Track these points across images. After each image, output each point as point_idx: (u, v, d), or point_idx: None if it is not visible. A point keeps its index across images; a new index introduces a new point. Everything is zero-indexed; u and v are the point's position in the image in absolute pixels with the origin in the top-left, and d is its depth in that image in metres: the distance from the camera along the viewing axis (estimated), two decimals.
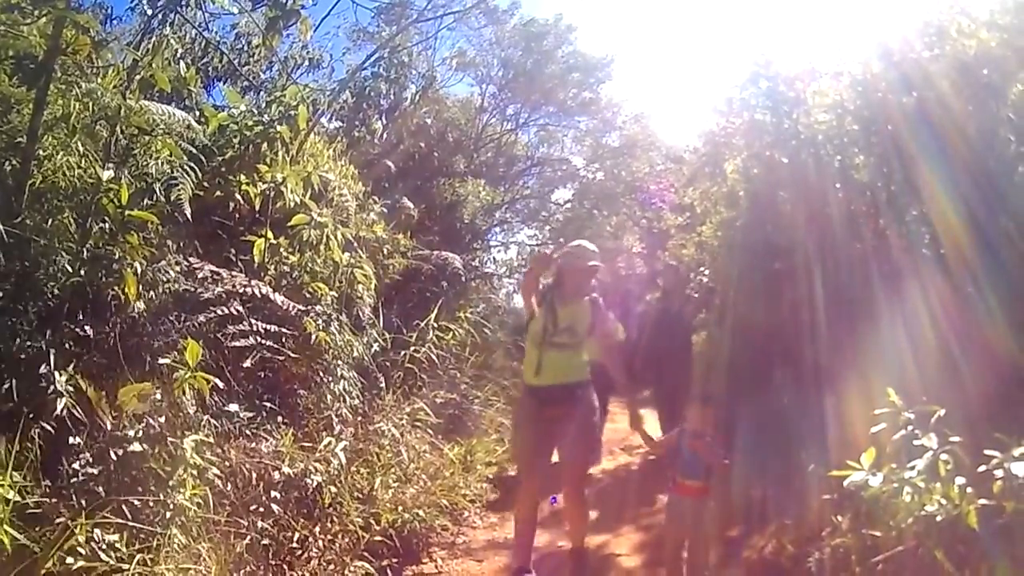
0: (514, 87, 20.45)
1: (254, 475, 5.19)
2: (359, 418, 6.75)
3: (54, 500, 4.01)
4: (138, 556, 3.92)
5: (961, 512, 3.61)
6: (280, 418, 5.91)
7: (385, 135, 14.75)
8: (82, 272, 4.79)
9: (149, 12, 6.24)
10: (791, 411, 7.07)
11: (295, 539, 5.21)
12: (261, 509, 5.05)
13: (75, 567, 3.71)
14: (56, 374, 4.29)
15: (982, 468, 3.68)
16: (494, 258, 22.21)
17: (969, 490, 3.66)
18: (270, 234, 6.58)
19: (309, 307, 6.51)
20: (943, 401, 4.08)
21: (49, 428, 4.20)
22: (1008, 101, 5.42)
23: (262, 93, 9.42)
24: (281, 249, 6.78)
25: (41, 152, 4.97)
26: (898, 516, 3.97)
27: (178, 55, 6.93)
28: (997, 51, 5.58)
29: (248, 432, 5.54)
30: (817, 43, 8.43)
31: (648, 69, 34.70)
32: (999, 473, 3.59)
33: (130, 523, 4.05)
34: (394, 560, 5.74)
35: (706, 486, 5.15)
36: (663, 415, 8.93)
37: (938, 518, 3.75)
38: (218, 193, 6.43)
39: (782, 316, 7.39)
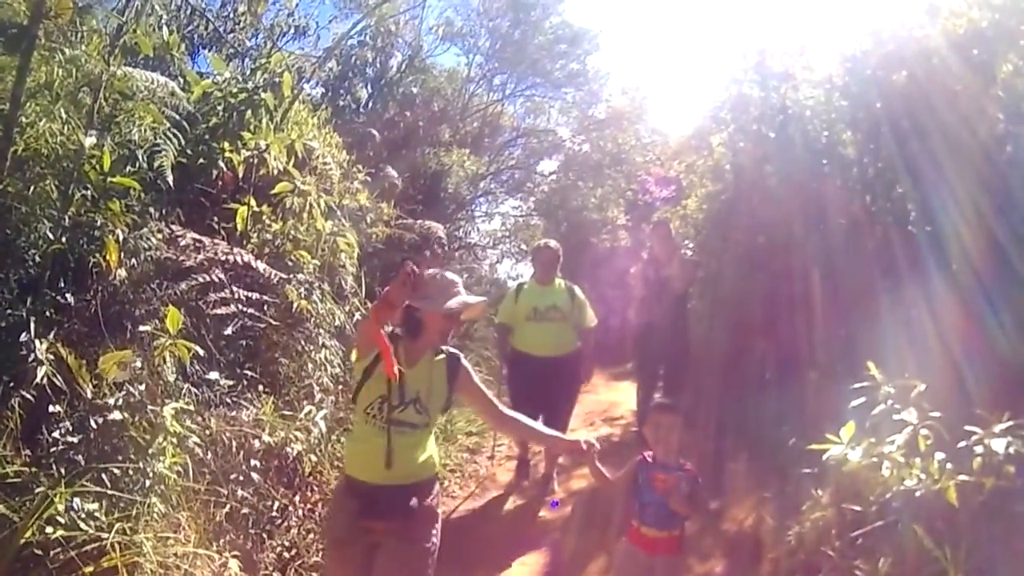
0: (501, 58, 20.36)
1: (234, 443, 5.18)
2: (340, 387, 6.73)
3: (34, 469, 3.99)
4: (117, 525, 3.91)
5: (941, 488, 3.63)
6: (261, 386, 5.89)
7: (370, 104, 14.71)
8: (64, 239, 4.75)
9: None
10: (773, 385, 7.11)
11: (275, 508, 5.21)
12: (241, 478, 5.04)
13: (54, 536, 3.70)
14: (36, 342, 4.26)
15: (962, 444, 3.70)
16: (478, 228, 22.22)
17: (949, 466, 3.69)
18: (253, 202, 6.53)
19: (291, 275, 6.47)
20: (927, 376, 4.10)
21: (29, 397, 4.17)
22: (998, 80, 5.41)
23: (247, 60, 9.36)
24: (264, 217, 6.73)
25: (23, 119, 4.90)
26: (877, 491, 4.00)
27: (163, 21, 6.85)
28: (988, 30, 5.56)
29: (228, 400, 5.51)
30: (807, 19, 8.40)
31: (636, 41, 34.61)
32: (979, 449, 3.62)
33: (110, 492, 4.04)
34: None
35: (673, 538, 3.87)
36: (640, 392, 8.64)
37: (917, 493, 3.77)
38: (201, 160, 6.37)
39: (766, 290, 7.41)
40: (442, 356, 3.74)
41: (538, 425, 4.15)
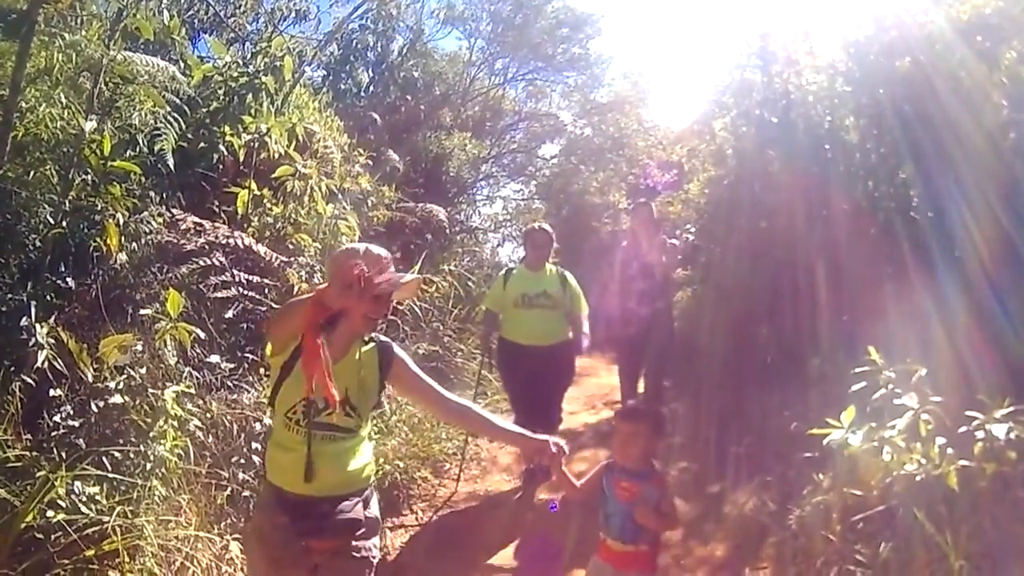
0: (503, 41, 20.28)
1: (235, 426, 5.18)
2: None
3: (35, 453, 4.00)
4: (118, 508, 3.92)
5: (942, 472, 3.63)
6: (262, 369, 5.88)
7: (372, 88, 14.67)
8: (64, 224, 4.75)
9: None
10: (775, 370, 7.10)
11: None
12: (242, 461, 5.05)
13: (55, 520, 3.71)
14: (37, 326, 4.26)
15: (963, 429, 3.71)
16: (479, 212, 22.19)
17: (950, 451, 3.69)
18: (254, 185, 6.52)
19: (292, 258, 6.47)
20: (929, 361, 4.10)
21: (30, 381, 4.18)
22: (1002, 66, 5.39)
23: (248, 44, 9.33)
24: (265, 200, 6.73)
25: (24, 104, 4.90)
26: (878, 475, 4.00)
27: (163, 5, 6.83)
28: (992, 17, 5.54)
29: (229, 383, 5.52)
30: (810, 4, 8.36)
31: (638, 26, 34.51)
32: (980, 435, 3.62)
33: (111, 475, 4.05)
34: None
35: (642, 553, 3.51)
36: (623, 384, 8.08)
37: (918, 478, 3.78)
38: (202, 144, 6.36)
39: (768, 275, 7.40)
40: (371, 346, 3.20)
41: (495, 418, 3.53)
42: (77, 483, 3.89)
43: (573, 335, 6.67)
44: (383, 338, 3.28)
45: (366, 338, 3.18)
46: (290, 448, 3.00)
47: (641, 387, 7.91)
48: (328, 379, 2.81)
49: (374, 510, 3.20)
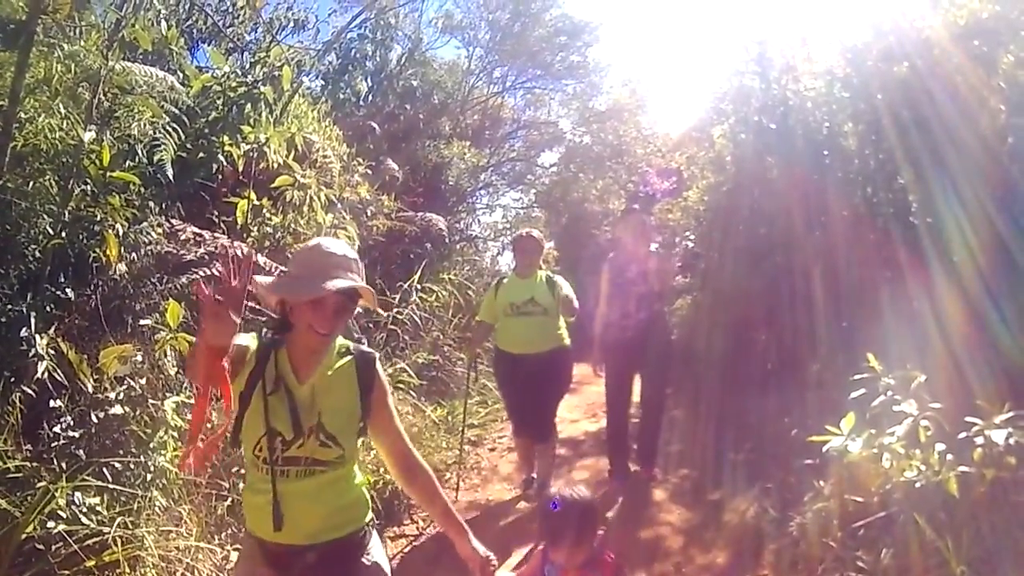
0: (501, 50, 20.36)
1: None
2: None
3: (35, 464, 4.00)
4: (119, 519, 3.91)
5: (941, 479, 3.64)
6: None
7: (370, 97, 14.68)
8: (64, 234, 4.75)
9: None
10: (775, 376, 7.10)
11: None
12: (243, 471, 5.03)
13: (56, 531, 3.70)
14: (37, 337, 4.26)
15: (962, 435, 3.71)
16: (479, 220, 22.23)
17: (949, 457, 3.69)
18: (253, 195, 6.52)
19: None
20: (928, 368, 4.11)
21: (30, 392, 4.17)
22: (999, 71, 5.40)
23: (246, 54, 9.34)
24: (264, 210, 6.72)
25: (23, 115, 4.90)
26: (878, 482, 4.00)
27: (161, 16, 6.84)
28: (989, 22, 5.55)
29: None
30: (808, 10, 8.38)
31: (637, 33, 34.53)
32: (980, 441, 3.62)
33: (111, 486, 4.04)
34: (376, 521, 5.74)
35: None
36: (609, 411, 7.11)
37: (918, 484, 3.78)
38: (201, 154, 6.37)
39: (767, 281, 7.40)
40: (348, 359, 2.72)
41: (441, 501, 2.90)
42: (77, 494, 3.88)
43: (565, 309, 6.38)
44: (364, 348, 2.83)
45: (341, 349, 2.74)
46: (259, 490, 2.58)
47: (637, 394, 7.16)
48: (225, 396, 2.44)
49: (375, 555, 2.80)
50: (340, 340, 2.75)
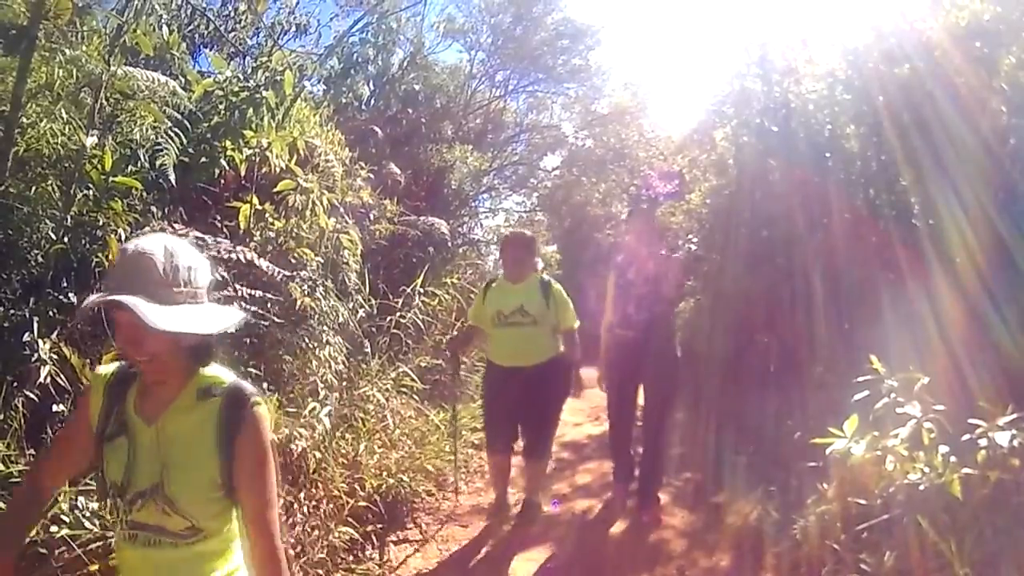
0: (503, 53, 20.33)
1: None
2: (344, 384, 6.73)
3: None
4: None
5: (945, 481, 3.63)
6: (265, 384, 5.88)
7: (373, 101, 14.69)
8: (66, 239, 4.75)
9: None
10: (777, 379, 7.10)
11: (280, 505, 5.21)
12: None
13: (59, 535, 3.70)
14: (39, 342, 4.26)
15: (965, 437, 3.71)
16: (482, 224, 22.23)
17: (953, 459, 3.69)
18: (255, 200, 6.52)
19: (294, 273, 6.47)
20: (930, 370, 4.10)
21: (33, 396, 4.17)
22: (1000, 73, 5.40)
23: (248, 59, 9.35)
24: (267, 215, 6.72)
25: (25, 120, 4.91)
26: (881, 484, 4.00)
27: (163, 21, 6.85)
28: (990, 23, 5.56)
29: None
30: (809, 13, 8.39)
31: (638, 37, 34.60)
32: (983, 442, 3.62)
33: None
34: (379, 526, 5.76)
35: None
36: (612, 429, 6.74)
37: (921, 487, 3.77)
38: (203, 159, 6.36)
39: (769, 284, 7.40)
40: (213, 399, 2.09)
41: None
42: (81, 498, 3.88)
43: (566, 351, 6.01)
44: (240, 385, 2.16)
45: (209, 384, 2.12)
46: (119, 552, 2.19)
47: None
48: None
49: None
50: (211, 371, 2.17)
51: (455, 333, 8.48)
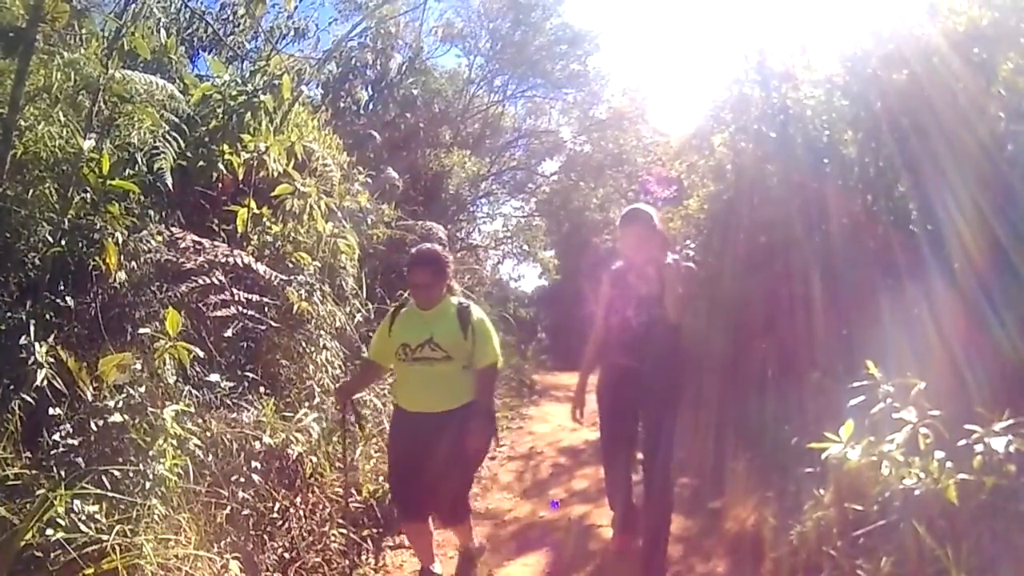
0: (502, 59, 20.42)
1: (235, 445, 5.18)
2: None
3: (34, 471, 4.00)
4: (118, 527, 3.90)
5: (941, 487, 3.63)
6: (262, 388, 5.89)
7: (371, 105, 14.72)
8: (63, 242, 4.76)
9: None
10: (774, 384, 7.10)
11: (276, 509, 5.22)
12: (242, 479, 5.04)
13: (54, 538, 3.69)
14: (36, 345, 4.26)
15: (962, 442, 3.71)
16: (479, 229, 22.29)
17: (949, 464, 3.69)
18: (253, 204, 6.54)
19: (292, 277, 6.48)
20: (928, 375, 4.10)
21: (29, 399, 4.17)
22: (999, 78, 5.41)
23: (246, 63, 9.37)
24: (264, 219, 6.74)
25: (22, 123, 4.91)
26: (877, 489, 4.00)
27: (161, 24, 6.87)
28: (988, 28, 5.56)
29: (229, 402, 5.52)
30: (807, 18, 8.39)
31: (637, 42, 34.72)
32: (979, 448, 3.62)
33: (110, 494, 4.03)
34: (375, 530, 5.76)
35: None
36: (608, 471, 5.68)
37: (917, 492, 3.77)
38: (201, 163, 6.38)
39: (767, 290, 7.40)
40: None
41: None
42: (76, 502, 3.87)
43: (479, 394, 4.73)
44: None
45: None
46: None
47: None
48: None
49: None
50: None
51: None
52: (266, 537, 5.04)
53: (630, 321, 5.19)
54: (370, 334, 7.54)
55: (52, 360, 4.31)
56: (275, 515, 5.19)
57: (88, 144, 4.84)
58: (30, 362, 4.21)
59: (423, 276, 4.66)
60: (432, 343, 4.62)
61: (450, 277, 4.85)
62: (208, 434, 5.02)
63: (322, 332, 6.68)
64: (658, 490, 5.18)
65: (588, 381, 5.62)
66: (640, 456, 5.37)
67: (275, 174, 6.80)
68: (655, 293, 5.09)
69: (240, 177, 6.55)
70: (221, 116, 6.77)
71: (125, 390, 4.43)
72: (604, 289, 5.46)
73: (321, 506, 5.53)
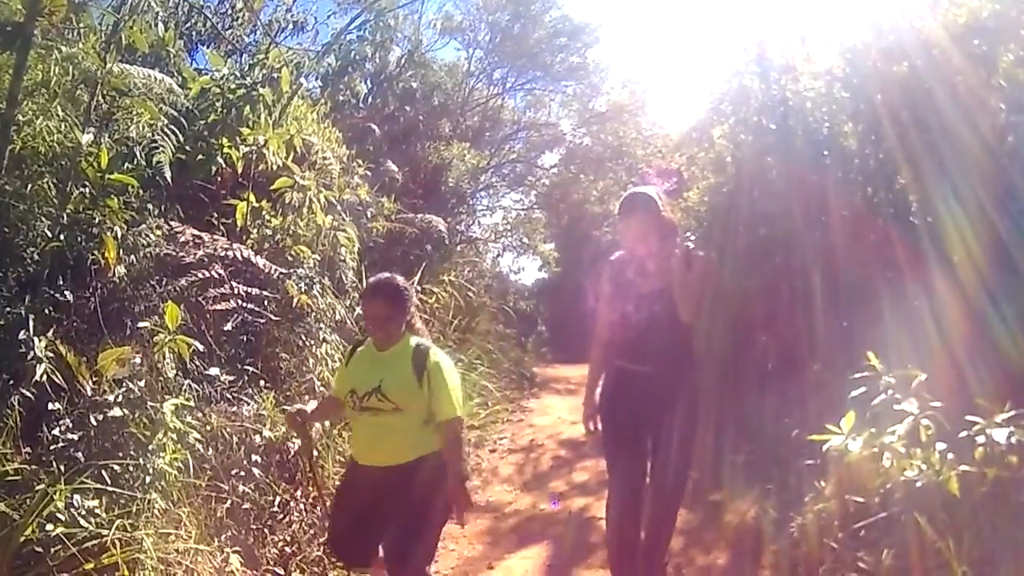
0: (501, 51, 20.36)
1: (235, 439, 5.18)
2: None
3: (34, 467, 3.99)
4: (118, 521, 3.91)
5: (942, 478, 3.63)
6: (262, 382, 5.89)
7: (370, 98, 14.67)
8: (62, 237, 4.75)
9: None
10: (775, 377, 7.10)
11: (276, 503, 5.22)
12: (242, 473, 5.04)
13: (54, 533, 3.69)
14: (36, 340, 4.25)
15: (963, 434, 3.70)
16: (479, 222, 22.24)
17: (950, 456, 3.69)
18: (252, 197, 6.52)
19: (291, 270, 6.47)
20: (928, 367, 4.10)
21: (29, 394, 4.16)
22: (999, 70, 5.40)
23: (245, 56, 9.34)
24: (263, 212, 6.72)
25: (21, 117, 4.89)
26: (878, 482, 4.00)
27: (159, 18, 6.84)
28: (988, 20, 5.55)
29: (229, 396, 5.51)
30: (807, 10, 8.38)
31: (636, 34, 34.63)
32: (981, 440, 3.62)
33: (110, 488, 4.03)
34: None
35: None
36: (613, 493, 4.60)
37: (918, 484, 3.77)
38: (200, 156, 6.36)
39: (768, 282, 7.39)
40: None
41: None
42: (76, 496, 3.87)
43: (445, 454, 3.89)
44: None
45: None
46: None
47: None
48: None
49: None
50: None
51: (453, 331, 6.80)
52: (267, 531, 5.04)
53: (630, 318, 4.51)
54: None
55: (51, 355, 4.30)
56: (276, 509, 5.20)
57: (87, 138, 4.83)
58: (29, 357, 4.20)
59: (376, 308, 3.95)
60: (379, 392, 3.85)
61: (410, 312, 4.10)
62: (208, 428, 5.02)
63: (322, 325, 6.67)
64: (669, 490, 4.45)
65: (597, 386, 4.83)
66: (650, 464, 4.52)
67: (274, 167, 6.79)
68: (657, 288, 4.46)
69: (239, 170, 6.54)
70: (220, 110, 6.75)
71: (125, 384, 4.42)
72: (602, 283, 4.75)
73: (322, 499, 5.54)
